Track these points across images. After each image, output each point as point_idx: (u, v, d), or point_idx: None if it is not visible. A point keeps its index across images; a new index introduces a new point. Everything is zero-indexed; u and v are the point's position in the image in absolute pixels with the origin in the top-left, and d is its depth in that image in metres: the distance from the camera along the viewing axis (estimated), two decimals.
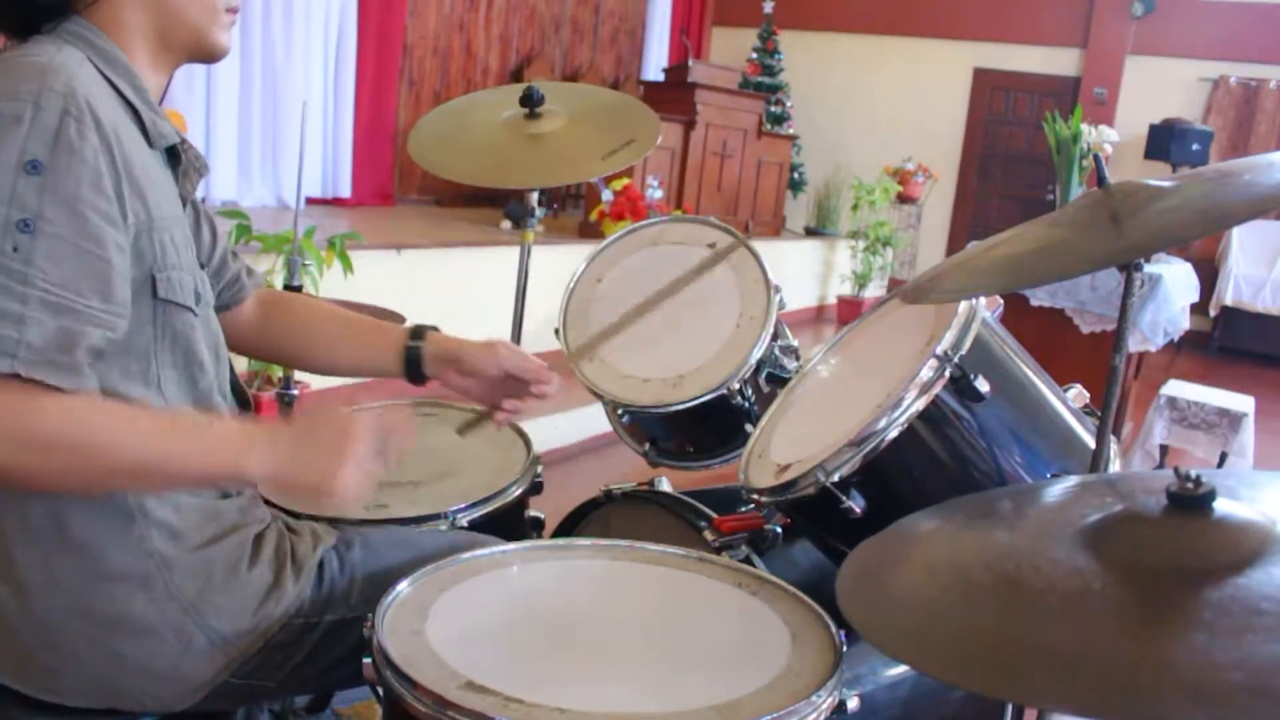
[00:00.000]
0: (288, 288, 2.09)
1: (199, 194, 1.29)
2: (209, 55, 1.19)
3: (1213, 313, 8.41)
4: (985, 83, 9.58)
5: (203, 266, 1.27)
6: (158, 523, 1.10)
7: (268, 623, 1.17)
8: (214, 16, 1.15)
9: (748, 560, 1.55)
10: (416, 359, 1.42)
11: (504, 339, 1.47)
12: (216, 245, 1.33)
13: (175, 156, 1.17)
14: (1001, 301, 1.51)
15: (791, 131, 8.91)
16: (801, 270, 8.11)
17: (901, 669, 1.35)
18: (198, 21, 1.14)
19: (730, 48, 10.12)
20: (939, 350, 1.32)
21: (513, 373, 1.42)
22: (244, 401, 1.31)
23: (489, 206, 7.11)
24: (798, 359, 1.84)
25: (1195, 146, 5.84)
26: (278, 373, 3.47)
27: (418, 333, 1.44)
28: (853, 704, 1.04)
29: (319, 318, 1.46)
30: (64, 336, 0.96)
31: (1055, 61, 9.25)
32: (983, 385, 1.32)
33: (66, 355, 0.97)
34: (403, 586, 1.15)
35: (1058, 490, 1.03)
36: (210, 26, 1.15)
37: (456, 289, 4.87)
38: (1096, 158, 1.34)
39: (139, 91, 1.10)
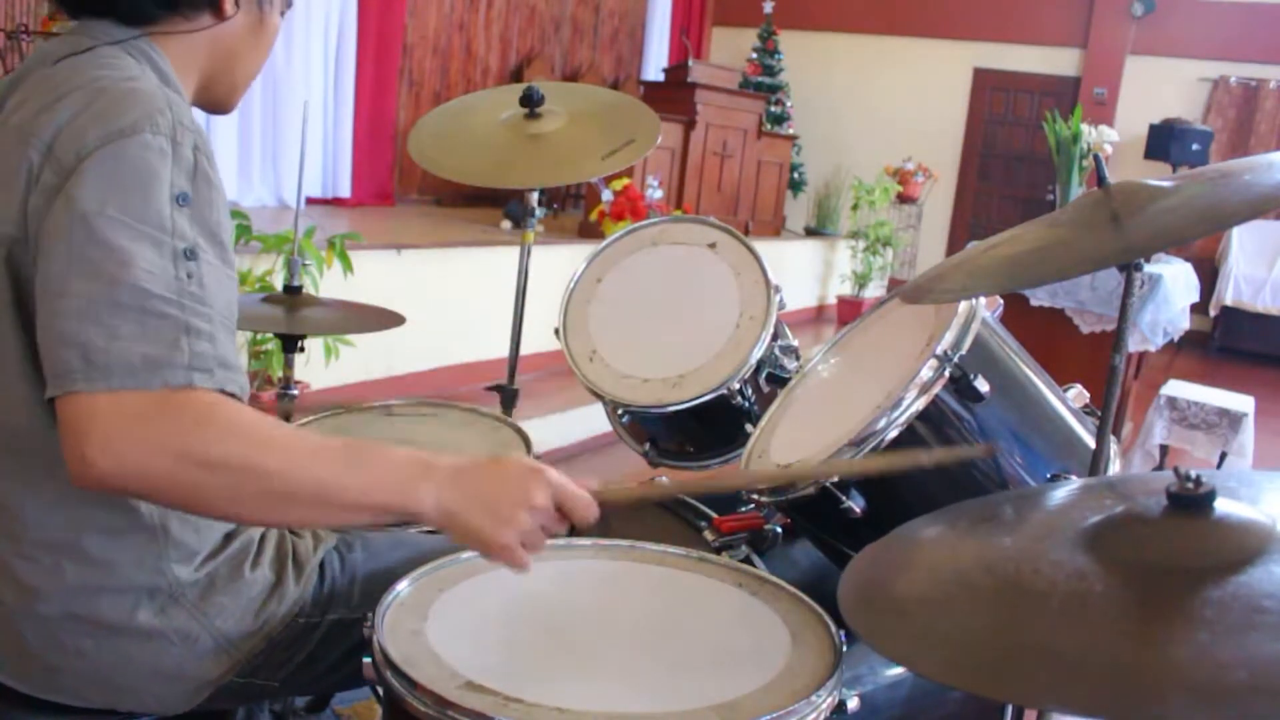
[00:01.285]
0: (287, 288, 2.08)
1: None
2: (220, 110, 1.24)
3: (1213, 313, 8.41)
4: (985, 83, 9.59)
5: None
6: (177, 544, 1.10)
7: (271, 622, 1.17)
8: (248, 84, 1.22)
9: (748, 560, 1.55)
10: None
11: None
12: None
13: None
14: (1001, 301, 1.51)
15: (791, 131, 8.91)
16: (801, 270, 8.11)
17: (902, 669, 1.35)
18: (237, 85, 1.21)
19: (730, 48, 10.12)
20: (939, 350, 1.32)
21: None
22: None
23: (489, 206, 7.10)
24: (798, 359, 1.84)
25: (1195, 146, 5.83)
26: (277, 372, 3.47)
27: None
28: (853, 704, 1.04)
29: None
30: (234, 357, 0.99)
31: (1055, 61, 9.25)
32: (983, 385, 1.32)
33: (241, 374, 1.00)
34: (402, 586, 1.15)
35: (1058, 493, 1.03)
36: (240, 92, 1.22)
37: (456, 289, 4.87)
38: (1096, 158, 1.34)
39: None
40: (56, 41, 1.12)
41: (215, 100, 1.22)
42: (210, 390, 0.95)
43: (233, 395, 0.97)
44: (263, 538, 1.21)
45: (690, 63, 7.31)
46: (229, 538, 1.17)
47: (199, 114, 1.21)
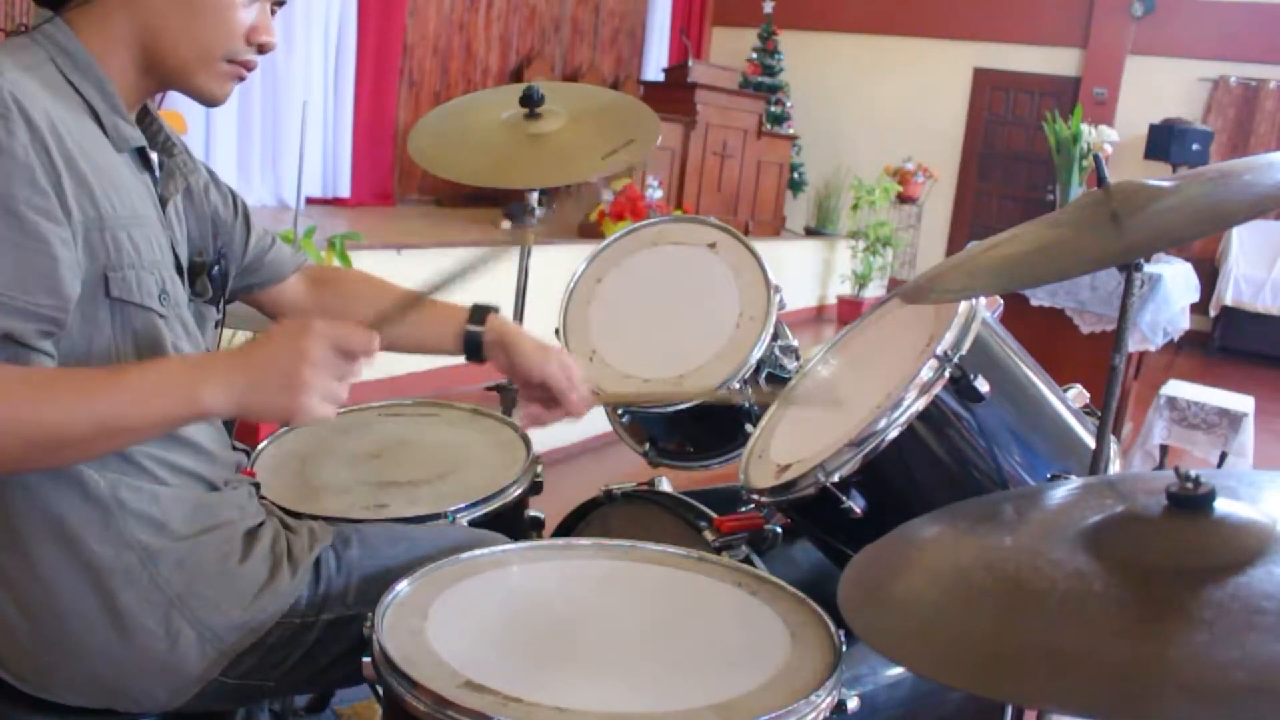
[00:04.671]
0: None
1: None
2: (199, 98, 1.18)
3: (1213, 313, 8.41)
4: (985, 83, 9.58)
5: (240, 258, 1.36)
6: (136, 514, 1.10)
7: (261, 619, 1.17)
8: (207, 63, 1.14)
9: (748, 560, 1.54)
10: (477, 344, 1.44)
11: (564, 350, 1.46)
12: (250, 233, 1.38)
13: (144, 158, 1.17)
14: (1001, 301, 1.51)
15: (791, 131, 8.92)
16: (801, 270, 8.11)
17: (902, 669, 1.35)
18: (186, 59, 1.13)
19: (730, 48, 10.12)
20: (939, 350, 1.32)
21: (550, 385, 1.41)
22: None
23: (489, 206, 7.10)
24: (798, 359, 1.84)
25: (1195, 146, 5.83)
26: None
27: (478, 315, 1.45)
28: (853, 704, 1.04)
29: (373, 292, 1.48)
30: (9, 336, 0.98)
31: (1055, 61, 9.25)
32: (983, 385, 1.31)
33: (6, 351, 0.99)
34: (402, 586, 1.15)
35: (1058, 492, 1.03)
36: (198, 70, 1.14)
37: (456, 289, 4.87)
38: (1096, 158, 1.34)
39: (105, 96, 1.10)
40: None
41: (177, 82, 1.16)
42: None
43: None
44: (254, 533, 1.21)
45: (690, 63, 7.32)
46: (217, 524, 1.17)
47: (197, 104, 1.20)
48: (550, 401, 1.42)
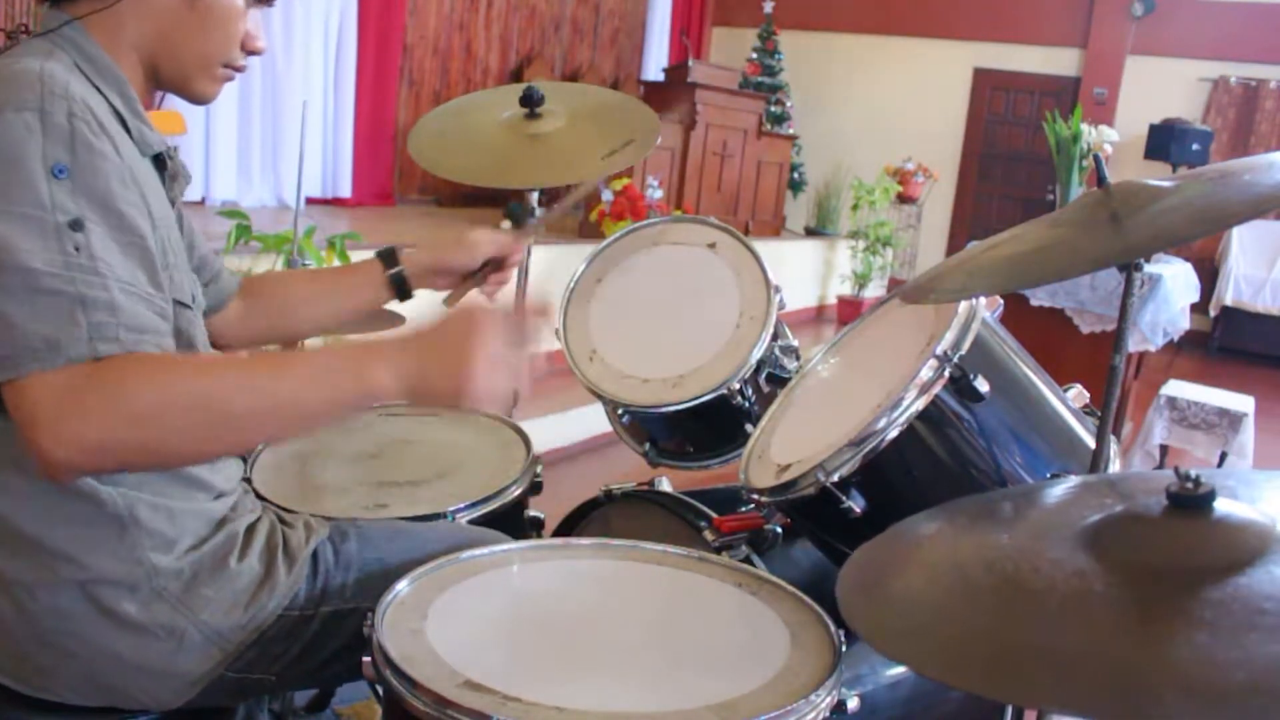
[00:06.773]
0: None
1: (198, 194, 1.31)
2: (191, 99, 1.21)
3: (1213, 313, 8.41)
4: (985, 83, 9.58)
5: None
6: (150, 531, 1.10)
7: (261, 615, 1.17)
8: (207, 69, 1.18)
9: (748, 560, 1.55)
10: (402, 280, 1.52)
11: (477, 229, 1.57)
12: (195, 248, 1.35)
13: (161, 163, 1.18)
14: (1001, 301, 1.51)
15: (791, 131, 8.91)
16: (801, 270, 8.11)
17: (902, 669, 1.35)
18: (188, 66, 1.17)
19: (730, 48, 10.12)
20: (939, 350, 1.32)
21: (493, 256, 1.55)
22: None
23: (489, 206, 7.10)
24: (798, 359, 1.84)
25: (1195, 146, 5.82)
26: None
27: (389, 258, 1.52)
28: (853, 704, 1.04)
29: (292, 283, 1.53)
30: (150, 320, 0.98)
31: (1055, 61, 9.25)
32: (983, 385, 1.31)
33: (163, 336, 1.00)
34: (402, 585, 1.15)
35: (1058, 491, 1.03)
36: (199, 76, 1.18)
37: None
38: (1096, 158, 1.34)
39: (127, 100, 1.12)
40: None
41: (173, 86, 1.19)
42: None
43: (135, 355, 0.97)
44: (251, 529, 1.21)
45: (690, 63, 7.31)
46: (216, 527, 1.17)
47: (193, 110, 1.21)
48: (499, 264, 1.55)
